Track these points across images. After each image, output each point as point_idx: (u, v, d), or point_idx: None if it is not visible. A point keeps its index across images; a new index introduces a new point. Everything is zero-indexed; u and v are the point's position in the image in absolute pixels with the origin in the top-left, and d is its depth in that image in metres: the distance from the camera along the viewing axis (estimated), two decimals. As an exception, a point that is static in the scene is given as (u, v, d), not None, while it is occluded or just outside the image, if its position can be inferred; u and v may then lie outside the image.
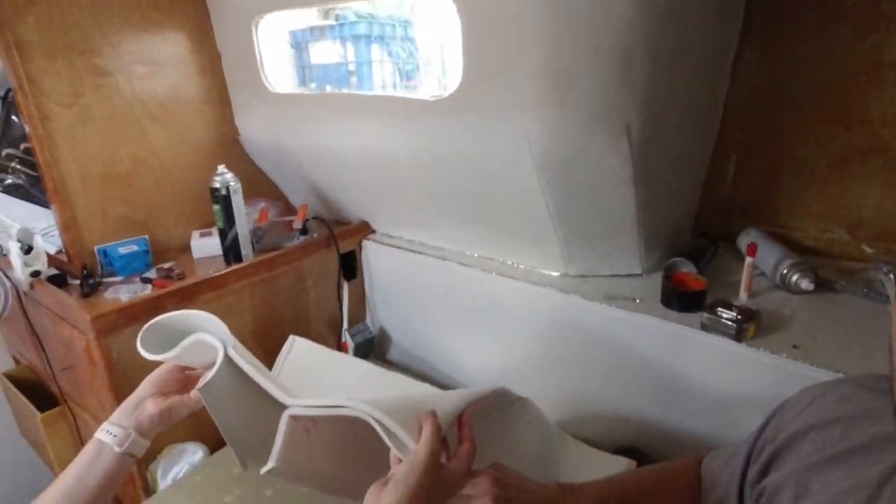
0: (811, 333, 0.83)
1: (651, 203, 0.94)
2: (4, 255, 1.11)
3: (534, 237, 1.06)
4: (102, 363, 0.94)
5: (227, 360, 0.64)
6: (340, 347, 1.33)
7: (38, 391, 1.34)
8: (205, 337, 0.64)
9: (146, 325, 0.65)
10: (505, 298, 1.12)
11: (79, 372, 1.05)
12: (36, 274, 1.06)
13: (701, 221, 1.20)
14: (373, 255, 1.36)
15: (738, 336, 0.83)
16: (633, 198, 0.91)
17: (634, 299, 0.98)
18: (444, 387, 1.20)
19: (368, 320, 1.42)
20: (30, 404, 1.28)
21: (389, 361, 1.40)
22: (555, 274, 1.10)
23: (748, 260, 0.93)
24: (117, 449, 0.60)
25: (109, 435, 0.61)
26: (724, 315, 0.84)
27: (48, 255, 1.11)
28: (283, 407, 0.59)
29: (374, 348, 1.39)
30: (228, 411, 0.64)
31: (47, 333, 1.14)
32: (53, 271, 1.09)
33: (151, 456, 1.07)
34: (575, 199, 0.93)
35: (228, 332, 0.66)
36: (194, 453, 1.10)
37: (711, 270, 1.05)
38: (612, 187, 0.90)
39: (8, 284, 1.13)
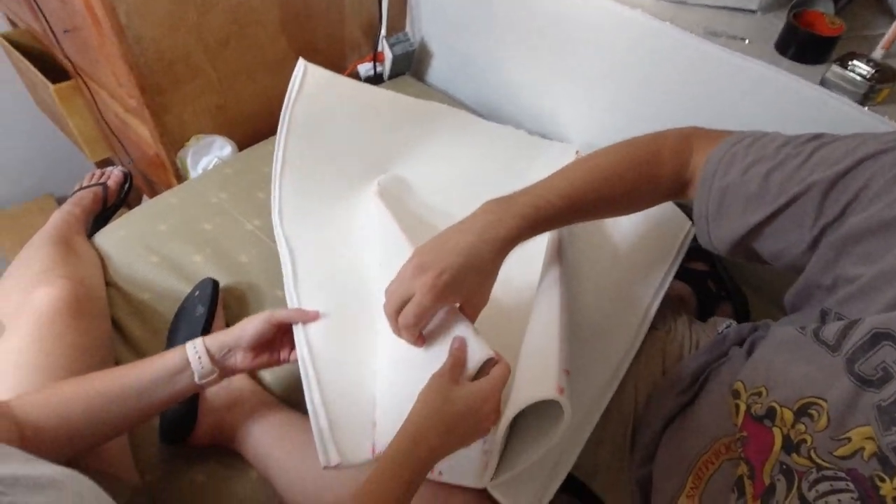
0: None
1: None
2: None
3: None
4: (109, 25, 0.80)
5: None
6: (376, 57, 1.18)
7: (48, 62, 1.23)
8: None
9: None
10: (582, 19, 0.93)
11: (84, 37, 0.92)
12: None
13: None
14: (423, -57, 1.09)
15: (865, 98, 0.69)
16: None
17: (743, 39, 0.80)
18: (486, 117, 1.10)
19: (409, 30, 1.23)
20: (38, 73, 1.18)
21: (428, 83, 1.27)
22: (649, -6, 0.89)
23: (911, 5, 0.73)
24: (197, 380, 0.55)
25: (199, 362, 0.55)
26: (858, 70, 0.69)
27: None
28: None
29: (412, 64, 1.24)
30: None
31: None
32: None
33: (179, 143, 1.03)
34: None
35: None
36: (222, 147, 1.06)
37: (845, 18, 0.85)
38: None
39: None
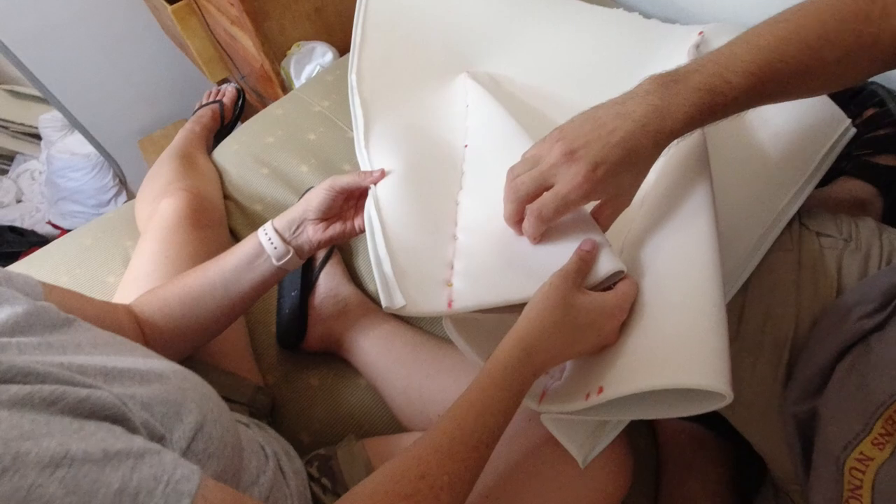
0: None
1: None
2: None
3: None
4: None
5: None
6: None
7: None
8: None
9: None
10: None
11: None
12: None
13: None
14: None
15: None
16: None
17: None
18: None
19: None
20: (156, -6, 1.22)
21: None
22: None
23: None
24: (275, 262, 0.54)
25: (270, 244, 0.54)
26: None
27: None
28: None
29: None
30: None
31: None
32: None
33: (281, 53, 1.01)
34: None
35: None
36: (324, 54, 1.02)
37: None
38: None
39: None
